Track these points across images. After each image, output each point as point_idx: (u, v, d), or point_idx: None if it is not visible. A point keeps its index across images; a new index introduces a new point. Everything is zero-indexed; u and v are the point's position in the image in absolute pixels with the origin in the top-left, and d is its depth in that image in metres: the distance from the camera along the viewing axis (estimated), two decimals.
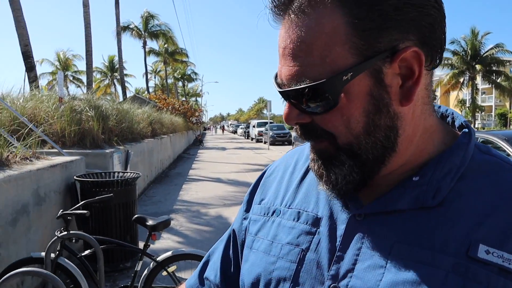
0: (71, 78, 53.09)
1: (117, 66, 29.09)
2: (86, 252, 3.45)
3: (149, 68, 48.04)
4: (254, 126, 39.66)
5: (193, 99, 68.05)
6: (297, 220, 0.72)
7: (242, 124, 57.96)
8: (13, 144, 4.84)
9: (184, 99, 53.00)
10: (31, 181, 4.02)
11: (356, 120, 0.61)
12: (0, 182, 3.42)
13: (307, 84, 0.59)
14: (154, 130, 13.59)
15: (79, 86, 49.80)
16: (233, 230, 0.87)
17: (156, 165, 12.80)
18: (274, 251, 0.71)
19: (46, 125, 7.22)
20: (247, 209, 0.85)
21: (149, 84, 48.31)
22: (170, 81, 55.46)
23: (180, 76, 56.62)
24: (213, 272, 0.87)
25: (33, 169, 4.15)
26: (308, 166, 0.78)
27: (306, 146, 0.82)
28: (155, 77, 59.93)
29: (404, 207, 0.62)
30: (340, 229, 0.66)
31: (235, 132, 66.33)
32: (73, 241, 3.31)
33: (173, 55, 47.06)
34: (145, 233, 3.44)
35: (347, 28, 0.57)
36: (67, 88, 42.23)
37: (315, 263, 0.65)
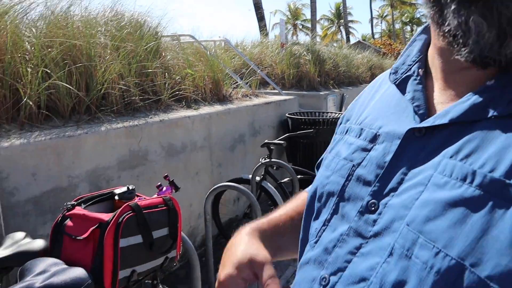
0: (300, 27, 55.87)
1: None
2: (285, 179, 3.79)
3: (375, 13, 46.54)
4: None
5: None
6: (358, 137, 0.67)
7: None
8: (237, 83, 5.54)
9: None
10: (247, 115, 4.56)
11: None
12: (221, 114, 4.01)
13: None
14: (374, 75, 13.35)
15: (307, 34, 52.09)
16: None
17: None
18: (332, 166, 0.69)
19: (269, 68, 7.98)
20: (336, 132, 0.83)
21: (375, 30, 46.96)
22: (397, 26, 52.66)
23: (408, 20, 53.10)
24: None
25: (250, 104, 4.68)
26: (392, 79, 0.68)
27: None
28: (381, 23, 57.78)
29: (469, 118, 0.51)
30: (395, 145, 0.58)
31: None
32: (274, 168, 3.68)
33: None
34: None
35: None
36: (296, 36, 44.76)
37: (362, 179, 0.60)
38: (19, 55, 2.74)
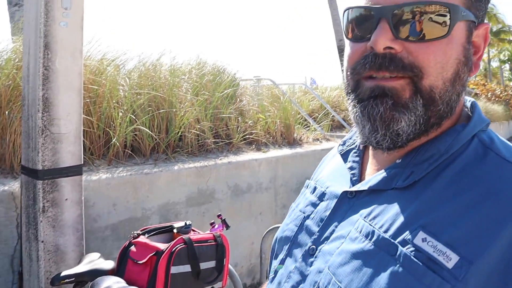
0: None
1: None
2: None
3: None
4: None
5: None
6: (312, 193, 0.83)
7: None
8: (308, 127, 5.77)
9: None
10: (315, 159, 4.73)
11: (450, 64, 0.62)
12: (288, 157, 4.26)
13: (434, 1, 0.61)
14: None
15: None
16: None
17: None
18: (292, 215, 0.84)
19: (346, 111, 8.14)
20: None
21: None
22: (494, 64, 49.69)
23: (507, 58, 49.96)
24: None
25: (318, 149, 4.87)
26: (339, 149, 0.85)
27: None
28: None
29: (380, 187, 0.67)
30: (333, 202, 0.74)
31: None
32: None
33: (498, 34, 41.85)
34: None
35: None
36: None
37: (309, 228, 0.76)
38: (114, 101, 3.24)
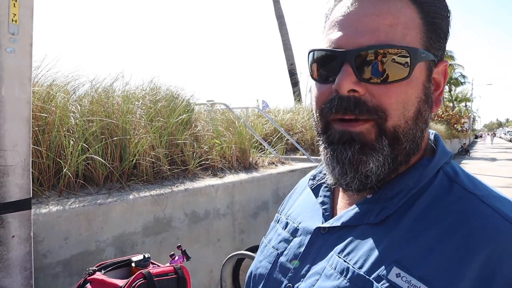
0: None
1: None
2: None
3: None
4: None
5: (463, 104, 62.45)
6: (284, 229, 0.82)
7: None
8: (263, 151, 5.80)
9: (452, 105, 49.52)
10: (271, 183, 4.75)
11: (412, 103, 0.65)
12: (244, 182, 4.24)
13: (394, 46, 0.63)
14: None
15: None
16: None
17: None
18: (264, 252, 0.83)
19: (300, 134, 8.27)
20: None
21: None
22: None
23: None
24: None
25: (274, 172, 4.89)
26: (309, 184, 0.85)
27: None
28: None
29: (352, 223, 0.68)
30: (307, 239, 0.74)
31: None
32: None
33: None
34: None
35: (420, 21, 0.66)
36: None
37: (283, 265, 0.76)
38: (65, 129, 3.11)
